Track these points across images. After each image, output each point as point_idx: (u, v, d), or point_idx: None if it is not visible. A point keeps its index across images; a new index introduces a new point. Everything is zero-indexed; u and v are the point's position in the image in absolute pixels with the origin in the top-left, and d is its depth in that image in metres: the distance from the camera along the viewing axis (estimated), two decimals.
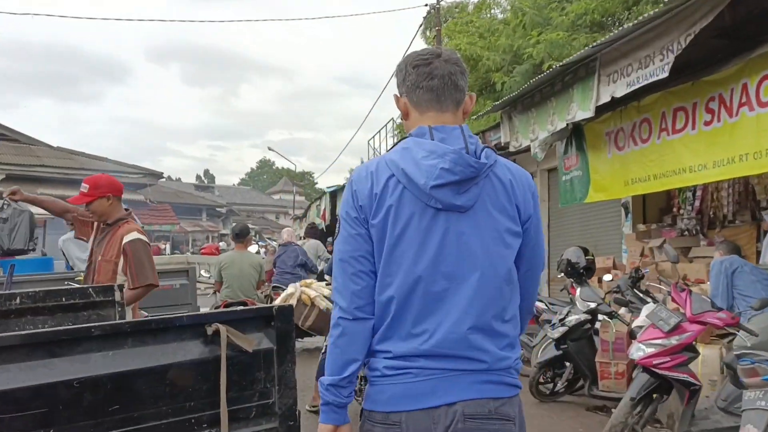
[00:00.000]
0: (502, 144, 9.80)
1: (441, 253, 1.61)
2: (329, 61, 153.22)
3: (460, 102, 1.76)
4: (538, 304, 7.17)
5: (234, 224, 7.45)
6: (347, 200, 1.69)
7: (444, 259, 1.62)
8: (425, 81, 1.70)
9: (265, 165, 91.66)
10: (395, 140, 23.58)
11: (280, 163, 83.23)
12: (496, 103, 9.58)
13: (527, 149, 10.51)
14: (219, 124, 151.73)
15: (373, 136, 22.35)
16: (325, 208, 20.04)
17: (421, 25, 19.83)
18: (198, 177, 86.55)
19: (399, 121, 22.94)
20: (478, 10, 20.53)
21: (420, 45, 22.53)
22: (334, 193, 19.32)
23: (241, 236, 6.58)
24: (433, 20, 20.93)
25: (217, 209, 45.71)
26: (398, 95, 1.81)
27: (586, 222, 10.96)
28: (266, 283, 7.93)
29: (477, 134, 12.67)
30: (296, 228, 24.44)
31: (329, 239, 16.70)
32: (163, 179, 37.66)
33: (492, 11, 20.16)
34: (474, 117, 15.24)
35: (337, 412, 1.65)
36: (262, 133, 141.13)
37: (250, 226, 43.74)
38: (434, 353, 1.59)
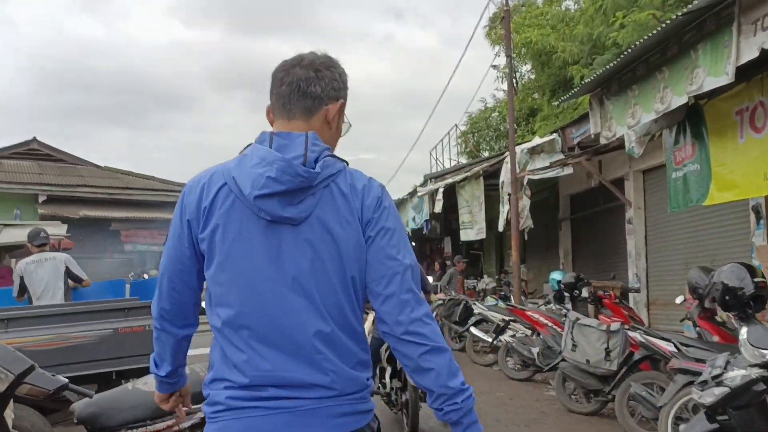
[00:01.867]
0: (592, 136, 7.94)
1: (275, 269, 1.51)
2: (384, 83, 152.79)
3: (311, 109, 1.63)
4: (663, 344, 5.23)
5: None
6: (176, 212, 1.60)
7: (279, 274, 1.51)
8: (276, 88, 1.65)
9: None
10: (459, 148, 22.06)
11: None
12: (586, 81, 7.70)
13: (618, 147, 8.64)
14: None
15: (435, 146, 20.65)
16: None
17: (478, 23, 18.02)
18: None
19: (463, 127, 21.18)
20: (549, 4, 18.63)
21: (484, 47, 20.87)
22: None
23: None
24: (500, 18, 19.19)
25: None
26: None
27: (696, 231, 8.88)
28: None
29: (555, 131, 10.86)
30: None
31: None
32: None
33: (564, 3, 18.21)
34: (556, 103, 13.30)
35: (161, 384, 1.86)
36: None
37: None
38: (281, 381, 1.49)
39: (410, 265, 1.58)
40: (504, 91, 20.98)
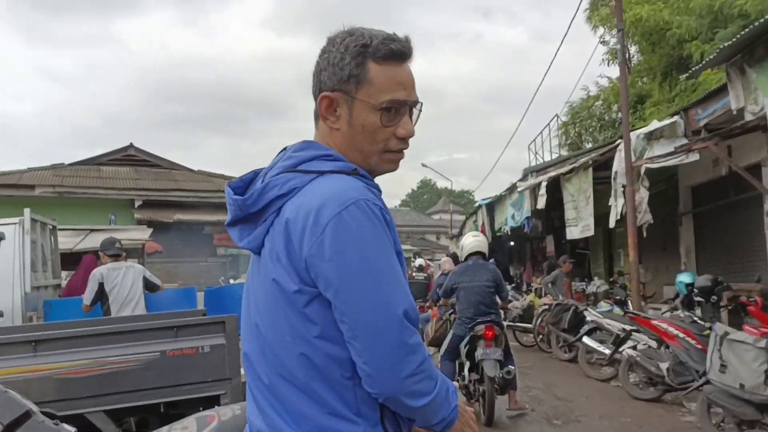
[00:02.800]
0: (734, 112, 6.71)
1: (246, 307, 1.41)
2: (475, 82, 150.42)
3: (316, 114, 1.41)
4: None
5: None
6: None
7: (247, 313, 1.40)
8: None
9: (425, 186, 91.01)
10: (560, 140, 20.67)
11: (441, 183, 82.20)
12: (724, 45, 6.51)
13: (754, 128, 7.37)
14: None
15: (534, 139, 19.41)
16: (483, 223, 17.51)
17: (580, 4, 16.49)
18: None
19: (565, 118, 19.86)
20: None
21: (579, 42, 19.25)
22: (491, 205, 16.70)
23: None
24: None
25: None
26: None
27: None
28: None
29: (677, 113, 9.54)
30: (451, 246, 22.13)
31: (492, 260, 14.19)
32: None
33: None
34: (685, 76, 11.84)
35: None
36: (421, 156, 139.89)
37: (409, 247, 42.15)
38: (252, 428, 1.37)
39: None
40: (608, 77, 19.52)
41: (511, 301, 11.93)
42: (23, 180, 16.42)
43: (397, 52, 1.34)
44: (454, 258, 11.47)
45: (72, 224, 10.72)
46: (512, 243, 23.26)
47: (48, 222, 7.14)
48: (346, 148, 1.35)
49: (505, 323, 11.25)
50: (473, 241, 6.83)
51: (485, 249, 6.80)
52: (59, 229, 9.91)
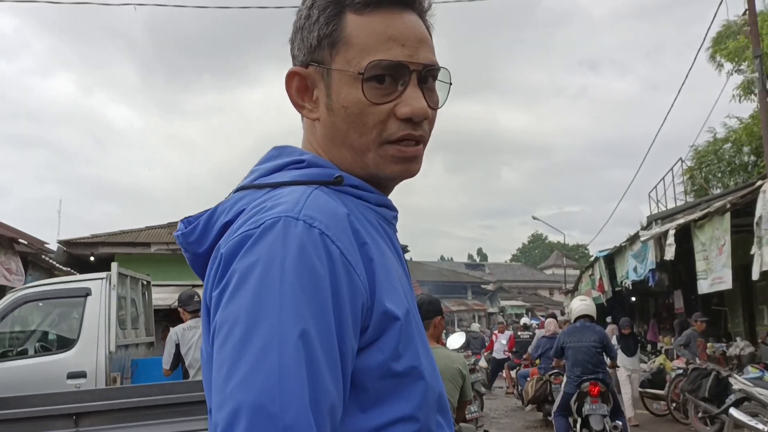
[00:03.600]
0: None
1: None
2: (583, 135, 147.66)
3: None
4: None
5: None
6: None
7: None
8: None
9: (536, 240, 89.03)
10: (686, 187, 19.09)
11: (552, 237, 79.76)
12: None
13: None
14: (486, 204, 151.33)
15: (656, 186, 17.99)
16: (600, 277, 16.23)
17: (702, 45, 15.23)
18: (470, 256, 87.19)
19: (689, 163, 18.35)
20: None
21: (703, 76, 17.84)
22: (610, 258, 15.43)
23: (424, 318, 3.60)
24: (726, 36, 16.48)
25: (482, 286, 43.38)
26: None
27: None
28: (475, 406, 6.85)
29: None
30: (566, 301, 20.79)
31: (612, 322, 13.03)
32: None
33: None
34: None
35: None
36: (530, 210, 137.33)
37: (521, 303, 40.73)
38: None
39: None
40: (737, 117, 17.95)
41: (614, 359, 10.91)
42: (140, 238, 17.02)
43: None
44: (555, 317, 12.54)
45: (184, 281, 10.68)
46: (633, 299, 21.56)
47: (140, 277, 6.98)
48: (330, 144, 0.93)
49: (635, 389, 10.24)
50: (581, 305, 7.59)
51: (593, 312, 7.48)
52: (165, 285, 9.85)
